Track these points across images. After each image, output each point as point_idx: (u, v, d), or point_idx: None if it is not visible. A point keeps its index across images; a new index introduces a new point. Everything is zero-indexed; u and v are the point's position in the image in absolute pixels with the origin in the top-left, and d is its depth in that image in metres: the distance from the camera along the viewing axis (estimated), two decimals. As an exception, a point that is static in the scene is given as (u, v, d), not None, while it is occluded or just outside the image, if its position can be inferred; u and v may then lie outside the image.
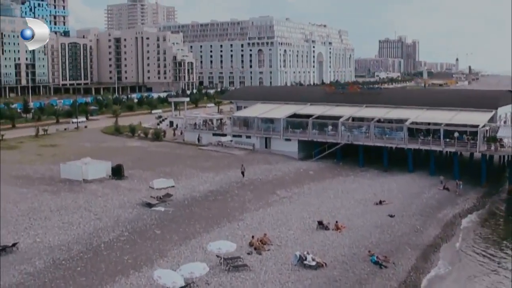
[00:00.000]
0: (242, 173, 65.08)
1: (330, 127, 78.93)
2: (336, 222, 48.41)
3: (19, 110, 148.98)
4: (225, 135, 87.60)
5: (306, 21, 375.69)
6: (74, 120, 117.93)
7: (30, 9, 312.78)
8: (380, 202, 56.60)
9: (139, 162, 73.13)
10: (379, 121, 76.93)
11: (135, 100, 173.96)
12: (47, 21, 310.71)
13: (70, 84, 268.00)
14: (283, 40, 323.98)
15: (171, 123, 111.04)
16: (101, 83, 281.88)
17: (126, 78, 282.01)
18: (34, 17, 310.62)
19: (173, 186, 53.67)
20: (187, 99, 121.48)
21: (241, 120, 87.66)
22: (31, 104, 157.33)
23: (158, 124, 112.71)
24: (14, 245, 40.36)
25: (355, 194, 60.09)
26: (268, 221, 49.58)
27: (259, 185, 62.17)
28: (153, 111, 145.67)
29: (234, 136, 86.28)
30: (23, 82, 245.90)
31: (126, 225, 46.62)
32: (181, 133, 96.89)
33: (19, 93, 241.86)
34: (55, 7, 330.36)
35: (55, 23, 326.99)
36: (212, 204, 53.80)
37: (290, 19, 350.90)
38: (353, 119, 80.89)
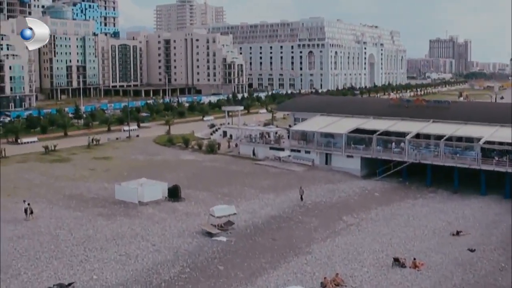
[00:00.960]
0: (301, 196, 61.15)
1: (395, 144, 74.51)
2: (414, 259, 44.29)
3: (70, 115, 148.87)
4: (282, 149, 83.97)
5: (357, 22, 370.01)
6: (126, 127, 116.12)
7: (81, 11, 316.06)
8: (457, 233, 52.05)
9: (195, 179, 70.17)
10: (448, 139, 72.10)
11: (186, 105, 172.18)
12: (97, 23, 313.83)
13: (120, 86, 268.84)
14: (334, 42, 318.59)
15: (225, 133, 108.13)
16: (151, 84, 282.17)
17: (175, 80, 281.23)
18: (85, 19, 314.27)
19: (234, 214, 50.32)
20: (241, 108, 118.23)
21: (299, 134, 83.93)
22: (82, 109, 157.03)
23: (211, 134, 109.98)
24: (70, 284, 37.56)
25: (427, 222, 55.63)
26: (338, 254, 45.75)
27: (324, 209, 58.34)
28: (205, 118, 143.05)
29: (292, 150, 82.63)
30: (74, 84, 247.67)
31: (187, 259, 43.40)
32: (236, 145, 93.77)
33: (70, 95, 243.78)
34: (105, 8, 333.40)
35: (105, 24, 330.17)
36: (276, 233, 50.22)
37: (341, 20, 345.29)
38: (420, 135, 76.17)
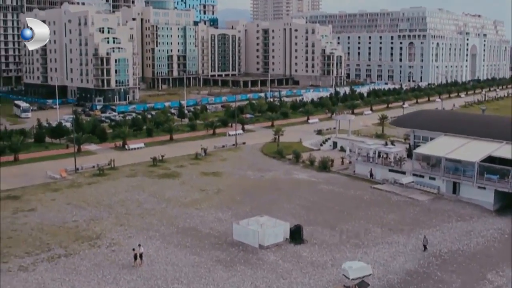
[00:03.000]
0: (424, 246, 54.43)
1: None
2: None
3: (173, 111, 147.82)
4: (404, 172, 77.70)
5: (459, 11, 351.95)
6: (231, 131, 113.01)
7: (182, 0, 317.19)
8: None
9: (314, 210, 65.36)
10: None
11: (285, 99, 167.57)
12: (196, 10, 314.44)
13: (219, 75, 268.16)
14: (436, 33, 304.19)
15: (335, 144, 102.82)
16: (249, 74, 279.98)
17: (273, 70, 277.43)
18: (185, 7, 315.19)
19: (370, 275, 45.05)
20: (352, 117, 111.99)
21: (423, 157, 77.24)
22: (184, 103, 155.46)
23: (321, 145, 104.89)
24: None
25: None
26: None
27: (463, 261, 51.90)
28: (310, 121, 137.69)
29: (414, 175, 76.21)
30: (175, 74, 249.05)
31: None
32: (350, 162, 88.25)
33: (171, 85, 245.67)
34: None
35: (204, 12, 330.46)
36: (416, 298, 44.70)
37: (443, 9, 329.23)
38: None
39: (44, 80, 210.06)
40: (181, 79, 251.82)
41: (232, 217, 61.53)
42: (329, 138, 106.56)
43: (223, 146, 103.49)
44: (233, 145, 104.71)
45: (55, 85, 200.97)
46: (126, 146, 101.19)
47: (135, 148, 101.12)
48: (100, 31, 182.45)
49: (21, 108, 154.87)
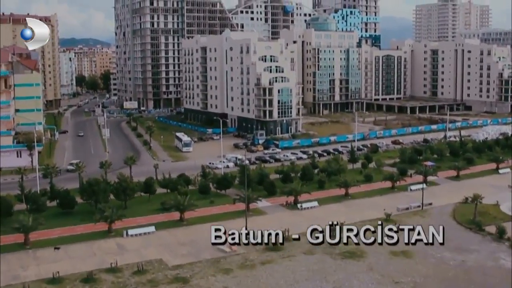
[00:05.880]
0: None
1: None
2: None
3: (340, 148, 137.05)
4: None
5: None
6: (413, 186, 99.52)
7: (343, 17, 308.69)
8: None
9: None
10: None
11: (466, 140, 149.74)
12: (358, 29, 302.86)
13: (383, 99, 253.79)
14: None
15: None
16: (414, 97, 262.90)
17: (442, 93, 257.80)
18: (346, 25, 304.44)
19: None
20: None
21: None
22: (355, 145, 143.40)
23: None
24: None
25: None
26: None
27: None
28: (500, 170, 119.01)
29: None
30: (336, 98, 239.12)
31: None
32: None
33: (332, 110, 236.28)
34: (366, 14, 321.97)
35: (366, 30, 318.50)
36: None
37: None
38: None
39: (204, 107, 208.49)
40: (343, 104, 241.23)
41: None
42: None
43: (407, 209, 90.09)
44: (419, 206, 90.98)
45: (214, 112, 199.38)
46: (299, 206, 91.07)
47: (308, 208, 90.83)
48: (262, 59, 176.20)
49: (182, 142, 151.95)
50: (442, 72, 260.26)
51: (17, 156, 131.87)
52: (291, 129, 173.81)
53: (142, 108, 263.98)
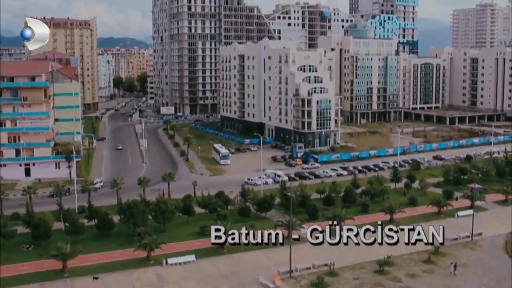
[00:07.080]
0: None
1: None
2: None
3: (381, 164, 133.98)
4: None
5: None
6: (461, 212, 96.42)
7: (380, 23, 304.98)
8: None
9: None
10: None
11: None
12: (395, 35, 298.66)
13: (421, 108, 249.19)
14: None
15: None
16: (453, 106, 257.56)
17: (481, 103, 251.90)
18: (384, 31, 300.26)
19: None
20: None
21: None
22: (397, 161, 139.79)
23: None
24: None
25: None
26: None
27: None
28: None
29: None
30: (374, 107, 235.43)
31: None
32: None
33: (370, 119, 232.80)
34: (404, 20, 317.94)
35: (403, 36, 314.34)
36: None
37: None
38: None
39: (241, 115, 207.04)
40: (381, 113, 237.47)
41: None
42: None
43: (455, 239, 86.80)
44: (468, 236, 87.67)
45: (252, 121, 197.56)
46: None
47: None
48: (301, 69, 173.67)
49: (220, 155, 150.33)
50: (482, 81, 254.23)
51: (56, 168, 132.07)
52: (329, 141, 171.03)
53: (178, 114, 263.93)
